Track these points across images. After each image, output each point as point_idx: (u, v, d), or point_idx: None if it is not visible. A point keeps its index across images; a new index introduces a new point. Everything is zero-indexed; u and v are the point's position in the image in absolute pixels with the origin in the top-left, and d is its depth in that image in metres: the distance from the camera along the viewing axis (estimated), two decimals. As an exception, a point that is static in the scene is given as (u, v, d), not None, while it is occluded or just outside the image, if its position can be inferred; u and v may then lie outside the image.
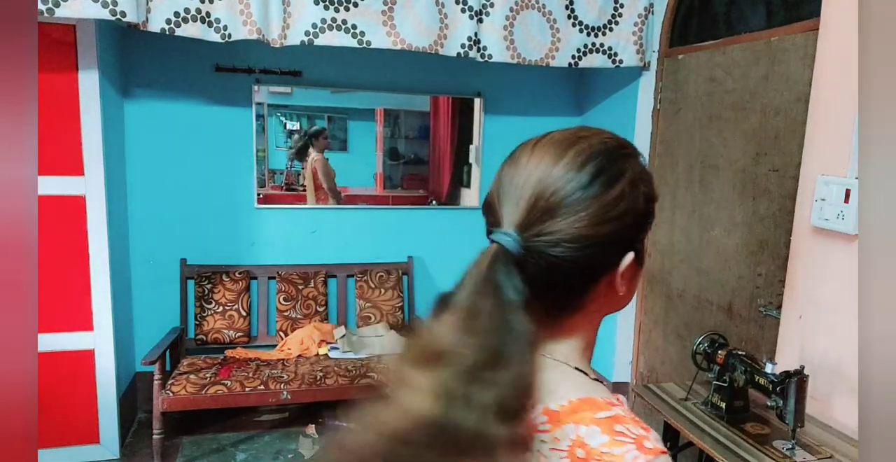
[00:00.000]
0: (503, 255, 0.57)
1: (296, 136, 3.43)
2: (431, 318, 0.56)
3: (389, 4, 2.52)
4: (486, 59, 2.69)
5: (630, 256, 0.62)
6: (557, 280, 0.59)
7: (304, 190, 3.44)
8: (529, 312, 0.55)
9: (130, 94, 3.08)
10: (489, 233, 0.61)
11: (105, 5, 2.10)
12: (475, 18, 2.61)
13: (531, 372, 0.55)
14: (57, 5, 2.08)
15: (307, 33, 2.45)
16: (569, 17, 2.73)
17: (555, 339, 0.64)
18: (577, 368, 0.64)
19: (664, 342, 2.93)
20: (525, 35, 2.68)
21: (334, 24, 2.47)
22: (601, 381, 0.65)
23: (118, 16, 2.12)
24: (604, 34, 2.79)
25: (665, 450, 0.57)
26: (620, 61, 2.84)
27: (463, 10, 2.59)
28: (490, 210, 0.62)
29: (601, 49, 2.81)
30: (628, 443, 0.56)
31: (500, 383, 0.52)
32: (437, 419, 0.51)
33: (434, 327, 0.55)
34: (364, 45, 2.52)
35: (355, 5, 2.48)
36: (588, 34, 2.78)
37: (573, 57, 2.78)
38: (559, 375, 0.62)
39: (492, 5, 2.63)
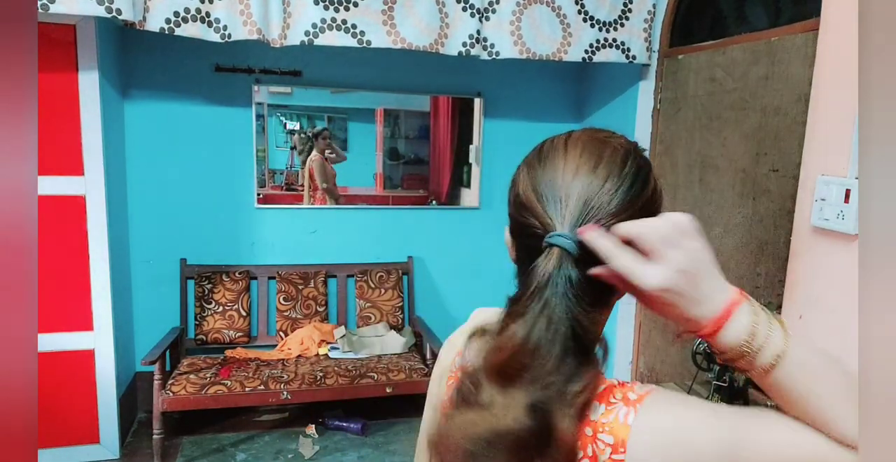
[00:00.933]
0: (566, 257, 0.59)
1: (299, 137, 3.43)
2: (507, 322, 0.60)
3: (389, 4, 2.51)
4: (494, 56, 2.66)
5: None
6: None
7: (304, 190, 3.44)
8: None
9: (130, 94, 3.08)
10: (532, 234, 0.63)
11: (101, 2, 2.10)
12: (477, 16, 2.60)
13: (598, 374, 0.60)
14: (52, 1, 2.07)
15: (307, 33, 2.45)
16: (579, 12, 2.72)
17: None
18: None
19: (664, 342, 2.93)
20: (534, 30, 2.66)
21: (334, 24, 2.47)
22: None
23: (114, 13, 2.11)
24: (615, 29, 2.78)
25: (652, 389, 0.61)
26: (634, 57, 2.83)
27: (465, 9, 2.58)
28: (532, 212, 0.63)
29: (614, 44, 2.80)
30: (618, 404, 0.59)
31: (577, 391, 0.57)
32: (526, 429, 0.55)
33: (515, 333, 0.59)
34: (364, 44, 2.51)
35: (355, 5, 2.48)
36: (600, 29, 2.76)
37: (587, 51, 2.76)
38: None
39: (497, 2, 2.62)
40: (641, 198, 0.63)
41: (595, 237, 0.58)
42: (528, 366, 0.57)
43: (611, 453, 0.58)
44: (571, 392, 0.57)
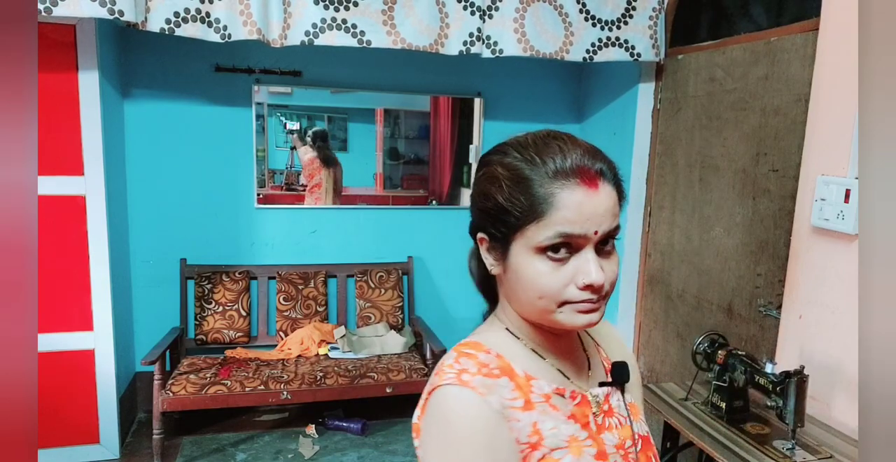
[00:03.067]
0: None
1: (312, 139, 3.44)
2: None
3: (389, 4, 2.51)
4: (497, 53, 2.65)
5: (480, 236, 0.76)
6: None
7: (304, 190, 3.44)
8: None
9: (130, 94, 3.08)
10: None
11: (103, 4, 2.10)
12: (478, 14, 2.59)
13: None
14: (55, 4, 2.07)
15: (307, 33, 2.45)
16: (580, 11, 2.71)
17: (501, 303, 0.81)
18: (507, 329, 0.79)
19: (664, 342, 2.93)
20: (538, 28, 2.65)
21: (334, 24, 2.47)
22: (539, 354, 0.78)
23: (116, 15, 2.12)
24: (618, 28, 2.77)
25: (471, 387, 0.69)
26: (639, 55, 2.80)
27: (465, 8, 2.57)
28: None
29: (618, 42, 2.78)
30: (449, 365, 0.72)
31: None
32: None
33: None
34: (364, 44, 2.51)
35: (355, 5, 2.48)
36: (602, 28, 2.75)
37: (587, 51, 2.74)
38: (486, 326, 0.82)
39: (500, 0, 2.61)
40: (474, 183, 0.79)
41: None
42: None
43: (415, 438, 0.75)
44: None
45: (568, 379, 0.79)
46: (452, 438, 0.67)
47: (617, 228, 0.72)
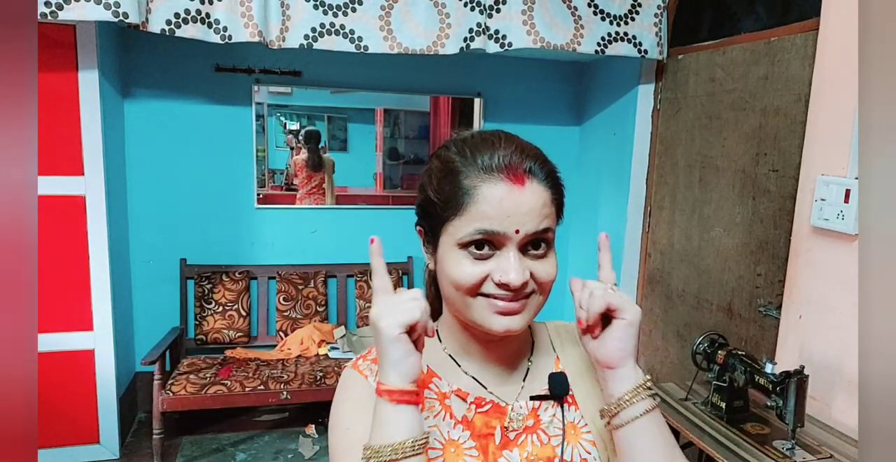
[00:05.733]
0: None
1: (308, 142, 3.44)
2: None
3: (387, 9, 2.51)
4: (506, 47, 2.63)
5: (418, 229, 0.75)
6: None
7: (298, 190, 3.44)
8: None
9: (130, 94, 3.08)
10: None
11: (108, 7, 2.11)
12: (478, 9, 2.57)
13: None
14: (60, 8, 2.08)
15: (306, 37, 2.45)
16: (589, 5, 2.71)
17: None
18: (436, 330, 0.78)
19: (664, 342, 2.93)
20: (547, 20, 2.64)
21: (332, 29, 2.47)
22: (454, 360, 0.77)
23: (121, 17, 2.13)
24: (626, 23, 2.77)
25: (358, 370, 0.76)
26: (645, 51, 2.81)
27: (466, 5, 2.57)
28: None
29: (626, 38, 2.77)
30: (361, 355, 0.78)
31: None
32: None
33: None
34: (362, 50, 2.52)
35: (353, 10, 2.48)
36: (611, 23, 2.75)
37: (599, 44, 2.74)
38: None
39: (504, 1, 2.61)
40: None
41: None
42: None
43: None
44: None
45: (485, 388, 0.76)
46: (339, 401, 0.75)
47: (546, 231, 0.69)
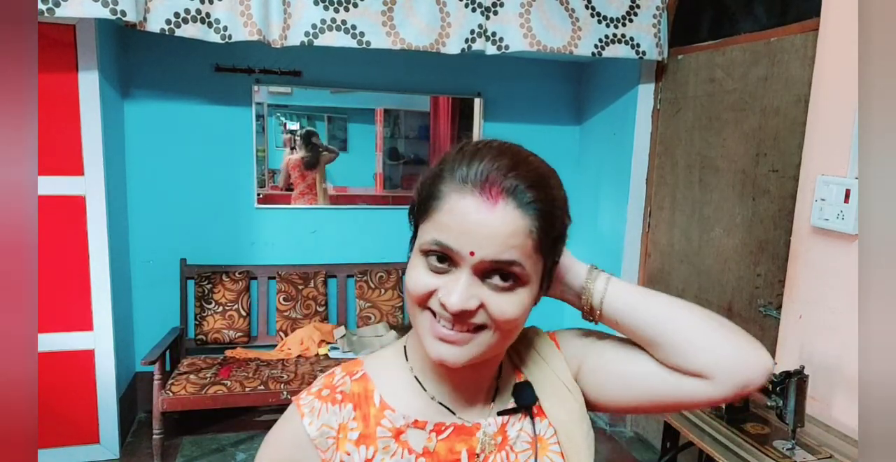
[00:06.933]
0: None
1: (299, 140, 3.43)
2: None
3: (389, 5, 2.51)
4: (503, 50, 2.64)
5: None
6: None
7: (293, 190, 3.44)
8: None
9: (130, 94, 3.08)
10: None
11: (105, 4, 2.10)
12: (479, 10, 2.58)
13: None
14: (57, 5, 2.08)
15: (307, 34, 2.45)
16: (586, 7, 2.71)
17: None
18: (404, 346, 0.74)
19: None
20: (544, 22, 2.64)
21: (334, 25, 2.47)
22: (420, 382, 0.72)
23: (118, 15, 2.12)
24: (624, 25, 2.77)
25: (298, 405, 0.72)
26: (643, 53, 2.80)
27: (467, 5, 2.57)
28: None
29: (623, 39, 2.78)
30: (319, 380, 0.75)
31: None
32: None
33: None
34: (364, 45, 2.51)
35: (355, 6, 2.48)
36: (608, 25, 2.75)
37: (596, 46, 2.74)
38: (399, 340, 0.77)
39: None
40: None
41: None
42: None
43: None
44: None
45: (453, 413, 0.71)
46: (267, 440, 0.72)
47: (511, 264, 0.60)
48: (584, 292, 0.70)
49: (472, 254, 0.59)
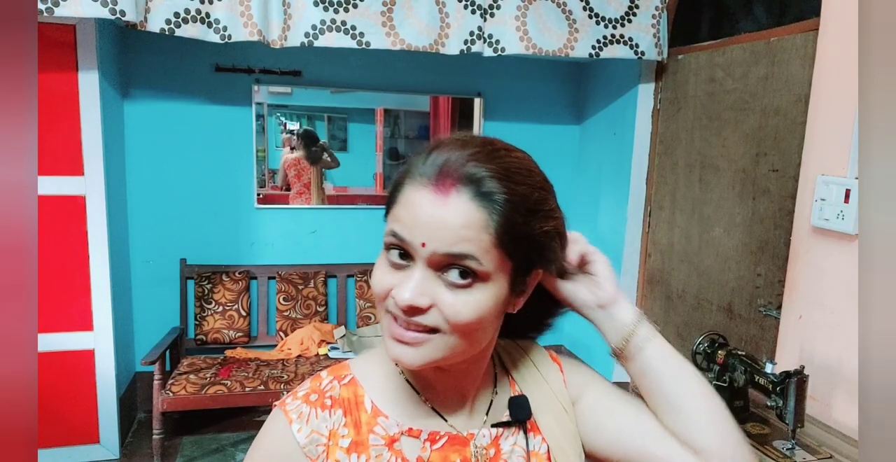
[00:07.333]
0: None
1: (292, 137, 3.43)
2: None
3: (389, 5, 2.51)
4: (499, 52, 2.64)
5: None
6: None
7: (291, 190, 3.44)
8: None
9: (130, 94, 3.08)
10: None
11: (105, 4, 2.10)
12: (478, 12, 2.58)
13: None
14: (56, 4, 2.08)
15: (307, 35, 2.45)
16: (584, 8, 2.71)
17: None
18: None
19: (664, 342, 2.93)
20: (540, 25, 2.64)
21: (334, 26, 2.47)
22: (412, 386, 0.70)
23: (118, 15, 2.12)
24: (622, 25, 2.77)
25: (284, 410, 0.67)
26: (643, 53, 2.80)
27: (466, 6, 2.57)
28: None
29: (622, 40, 2.77)
30: (302, 385, 0.70)
31: None
32: None
33: None
34: (363, 46, 2.51)
35: (355, 6, 2.48)
36: (606, 26, 2.75)
37: (593, 47, 2.74)
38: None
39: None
40: None
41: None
42: None
43: None
44: None
45: (445, 420, 0.69)
46: (253, 448, 0.68)
47: (464, 257, 0.57)
48: (626, 330, 0.70)
49: (423, 245, 0.58)
